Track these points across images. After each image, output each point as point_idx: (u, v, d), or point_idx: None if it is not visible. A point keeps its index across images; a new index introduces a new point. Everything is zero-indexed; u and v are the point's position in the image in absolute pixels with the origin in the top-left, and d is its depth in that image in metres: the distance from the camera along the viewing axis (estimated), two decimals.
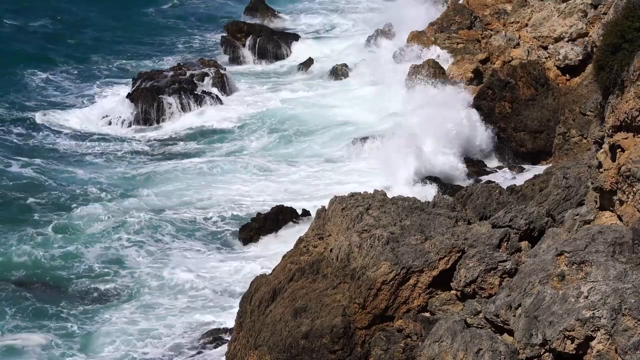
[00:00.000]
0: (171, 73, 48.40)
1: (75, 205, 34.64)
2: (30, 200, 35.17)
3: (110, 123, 44.92)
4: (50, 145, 41.49)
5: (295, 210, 32.59)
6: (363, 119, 42.78)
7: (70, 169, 38.55)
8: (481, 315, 15.55)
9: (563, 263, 14.27)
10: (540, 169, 33.18)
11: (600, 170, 16.00)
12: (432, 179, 34.41)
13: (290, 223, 31.75)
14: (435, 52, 43.40)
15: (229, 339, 22.89)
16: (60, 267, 30.22)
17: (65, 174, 37.99)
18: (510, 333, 14.76)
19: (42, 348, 25.42)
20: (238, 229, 32.57)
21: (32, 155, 40.08)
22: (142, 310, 27.51)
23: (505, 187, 25.63)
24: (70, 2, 65.56)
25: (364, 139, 39.22)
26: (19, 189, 36.17)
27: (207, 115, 45.50)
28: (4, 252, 30.59)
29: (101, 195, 35.78)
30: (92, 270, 30.03)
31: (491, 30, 44.73)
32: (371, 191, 21.51)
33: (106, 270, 30.01)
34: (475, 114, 37.91)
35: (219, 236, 32.72)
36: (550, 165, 31.89)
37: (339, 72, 49.73)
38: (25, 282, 29.15)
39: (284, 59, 54.96)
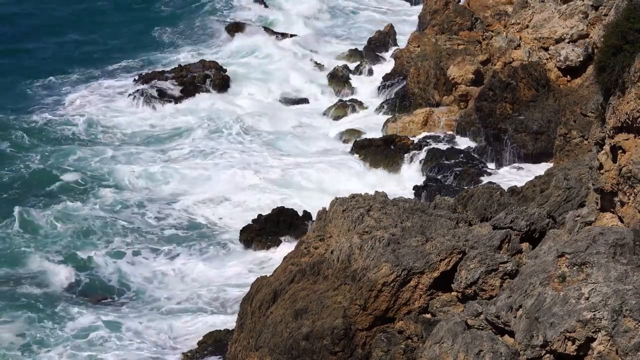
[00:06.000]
0: (172, 74, 48.43)
1: (64, 202, 34.81)
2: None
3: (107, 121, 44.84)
4: (46, 142, 41.09)
5: (296, 211, 32.48)
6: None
7: (65, 167, 38.40)
8: (482, 316, 15.54)
9: (564, 264, 14.27)
10: (541, 169, 33.17)
11: (601, 171, 16.01)
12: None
13: None
14: None
15: (230, 340, 22.89)
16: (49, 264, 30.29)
17: (56, 172, 37.91)
18: (511, 334, 14.76)
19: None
20: (239, 230, 32.59)
21: (28, 152, 39.91)
22: (141, 313, 27.50)
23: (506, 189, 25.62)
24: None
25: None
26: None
27: (207, 116, 45.45)
28: None
29: (95, 192, 35.88)
30: (88, 268, 30.02)
31: (492, 31, 44.70)
32: (372, 192, 21.55)
33: (101, 270, 29.99)
34: None
35: (216, 237, 32.72)
36: (551, 166, 31.88)
37: (339, 74, 49.38)
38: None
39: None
